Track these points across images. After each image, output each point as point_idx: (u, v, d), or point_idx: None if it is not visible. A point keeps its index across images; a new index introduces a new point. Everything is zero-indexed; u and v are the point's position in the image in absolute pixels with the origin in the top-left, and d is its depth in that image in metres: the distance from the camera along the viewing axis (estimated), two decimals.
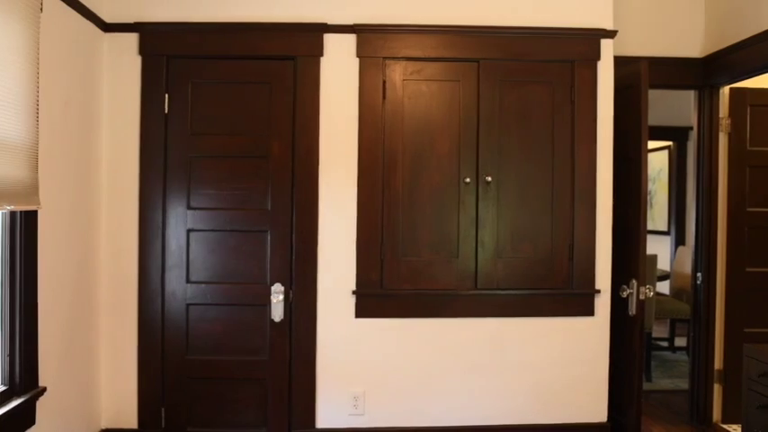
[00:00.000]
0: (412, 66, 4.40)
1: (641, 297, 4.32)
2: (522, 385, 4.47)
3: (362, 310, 4.37)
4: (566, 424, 4.48)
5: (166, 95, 4.32)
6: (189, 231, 4.33)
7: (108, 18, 4.32)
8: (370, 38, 4.37)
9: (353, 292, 4.35)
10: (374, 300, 4.38)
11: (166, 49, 4.32)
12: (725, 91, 5.12)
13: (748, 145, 5.09)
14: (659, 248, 9.16)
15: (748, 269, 5.04)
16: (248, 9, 4.35)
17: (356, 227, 4.35)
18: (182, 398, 4.36)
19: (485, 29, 4.41)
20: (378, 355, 4.40)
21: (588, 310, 4.46)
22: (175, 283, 4.32)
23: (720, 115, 5.13)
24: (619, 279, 4.48)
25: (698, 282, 5.21)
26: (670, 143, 9.28)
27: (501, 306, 4.43)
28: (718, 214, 5.12)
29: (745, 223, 5.07)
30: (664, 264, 8.56)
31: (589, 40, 4.46)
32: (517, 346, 4.46)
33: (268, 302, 4.33)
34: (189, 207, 4.33)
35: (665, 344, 7.71)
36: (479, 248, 4.41)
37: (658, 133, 8.63)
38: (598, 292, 4.45)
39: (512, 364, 4.46)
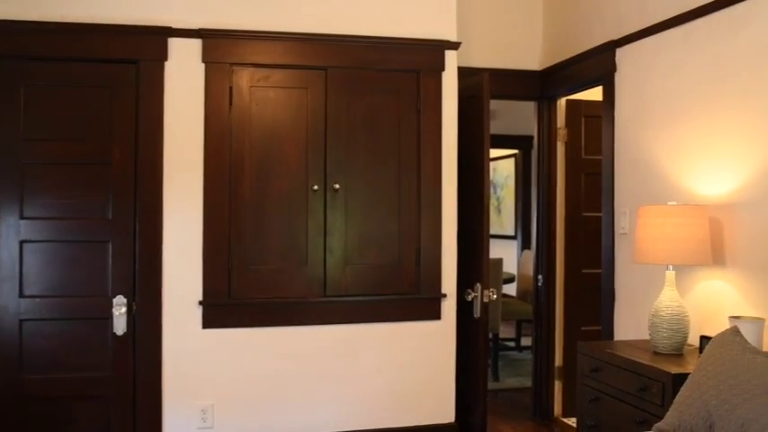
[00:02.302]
0: (259, 72, 4.36)
1: (485, 300, 4.47)
2: (373, 390, 4.51)
3: (210, 321, 4.28)
4: (415, 426, 4.56)
5: None
6: (22, 242, 4.08)
7: None
8: (217, 43, 4.29)
9: (200, 303, 4.25)
10: (222, 310, 4.30)
11: None
12: (562, 102, 5.41)
13: (583, 153, 5.39)
14: (507, 252, 9.53)
15: (584, 270, 5.33)
16: (88, 9, 4.15)
17: (203, 235, 4.25)
18: (15, 420, 4.09)
19: (332, 37, 4.44)
20: (227, 366, 4.31)
21: (435, 314, 4.57)
22: (7, 297, 4.06)
23: (558, 125, 5.41)
24: (464, 283, 4.61)
25: (539, 284, 5.46)
26: (516, 151, 9.69)
27: (350, 312, 4.46)
28: (557, 219, 5.39)
29: (580, 227, 5.37)
30: (511, 267, 8.91)
31: (434, 50, 4.58)
32: (367, 352, 4.50)
33: (110, 315, 4.14)
34: (22, 217, 4.08)
35: (512, 344, 8.03)
36: (328, 255, 4.42)
37: (506, 142, 8.99)
38: (444, 296, 4.57)
39: (362, 369, 4.49)
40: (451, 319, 4.61)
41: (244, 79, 4.33)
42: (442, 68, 4.58)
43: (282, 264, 4.38)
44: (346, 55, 4.46)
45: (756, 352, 2.69)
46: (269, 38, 4.35)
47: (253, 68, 4.35)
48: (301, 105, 4.41)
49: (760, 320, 3.17)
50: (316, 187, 4.40)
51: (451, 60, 4.61)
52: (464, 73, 4.78)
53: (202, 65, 4.28)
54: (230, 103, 4.30)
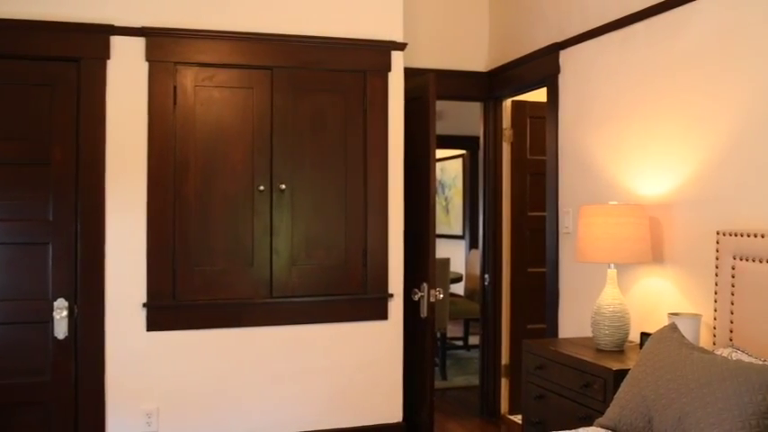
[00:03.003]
0: (204, 72, 4.31)
1: (432, 299, 4.50)
2: (320, 391, 4.50)
3: (154, 323, 4.21)
4: (362, 426, 4.56)
5: None
6: None
7: None
8: (161, 42, 4.23)
9: (144, 305, 4.19)
10: (167, 312, 4.24)
11: None
12: (507, 103, 5.47)
13: (528, 154, 5.45)
14: (455, 252, 9.61)
15: (529, 269, 5.40)
16: (29, 6, 4.04)
17: (146, 236, 4.19)
18: None
19: (278, 37, 4.41)
20: (172, 369, 4.26)
21: (382, 314, 4.58)
22: None
23: (504, 126, 5.47)
24: (411, 283, 4.63)
25: (486, 283, 5.51)
26: (464, 152, 9.77)
27: (297, 313, 4.44)
28: (503, 218, 5.45)
29: (526, 227, 5.43)
30: (459, 266, 8.98)
31: (380, 51, 4.59)
32: (314, 353, 4.49)
33: (50, 319, 4.05)
34: None
35: (460, 343, 8.09)
36: (274, 256, 4.40)
37: (454, 142, 9.06)
38: (391, 296, 4.59)
39: (309, 370, 4.48)
40: (398, 319, 4.63)
41: (188, 78, 4.28)
42: (389, 69, 4.60)
43: (228, 265, 4.35)
44: (292, 55, 4.44)
45: (693, 347, 2.76)
46: (214, 37, 4.31)
47: (197, 68, 4.30)
48: (247, 105, 4.37)
49: (697, 317, 3.26)
50: (262, 188, 4.37)
51: (398, 61, 4.63)
52: (411, 73, 4.80)
53: (146, 64, 4.22)
54: (174, 103, 4.25)
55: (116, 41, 4.18)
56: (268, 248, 4.39)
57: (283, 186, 4.40)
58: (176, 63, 4.26)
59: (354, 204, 4.54)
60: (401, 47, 4.63)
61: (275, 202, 4.40)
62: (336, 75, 4.53)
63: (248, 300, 4.37)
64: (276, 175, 4.40)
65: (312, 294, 4.47)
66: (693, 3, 3.46)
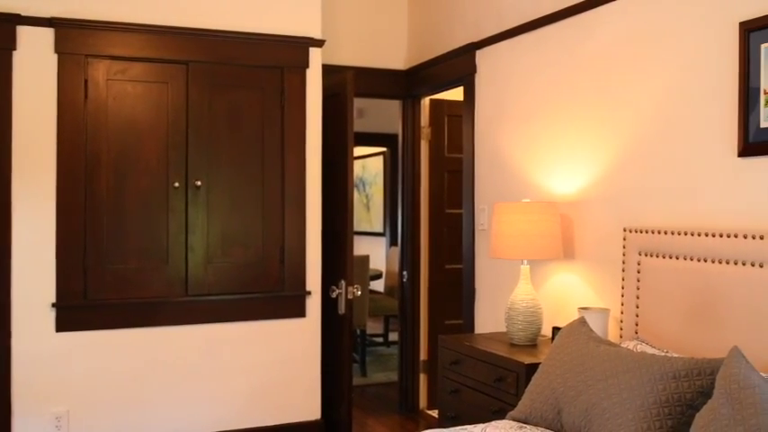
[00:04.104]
0: (117, 65, 4.21)
1: (350, 297, 4.50)
2: (237, 390, 4.46)
3: (64, 324, 4.09)
4: (281, 425, 4.54)
5: None
6: None
7: None
8: (71, 33, 4.11)
9: (53, 305, 4.06)
10: (78, 312, 4.12)
11: None
12: (425, 102, 5.52)
13: (446, 152, 5.52)
14: (376, 249, 9.66)
15: (447, 266, 5.47)
16: None
17: (56, 234, 4.06)
18: None
19: (194, 31, 4.34)
20: (83, 370, 4.14)
21: (300, 312, 4.57)
22: None
23: (422, 124, 5.52)
24: (329, 280, 4.63)
25: (404, 279, 5.55)
26: (385, 149, 9.82)
27: (213, 311, 4.39)
28: (421, 216, 5.50)
29: (444, 224, 5.50)
30: (380, 263, 9.03)
31: (298, 47, 4.57)
32: (231, 352, 4.44)
33: None
34: None
35: (380, 339, 8.13)
36: (190, 254, 4.33)
37: (375, 139, 9.10)
38: (309, 293, 4.58)
39: (226, 369, 4.43)
40: (316, 316, 4.62)
41: (100, 72, 4.17)
42: (307, 66, 4.58)
43: (142, 263, 4.26)
44: (208, 50, 4.38)
45: (600, 341, 2.84)
46: (127, 29, 4.21)
47: (110, 61, 4.19)
48: (161, 100, 4.29)
49: (605, 311, 3.36)
50: (177, 184, 4.29)
51: (316, 58, 4.62)
52: (329, 70, 4.80)
53: (55, 55, 4.09)
54: (86, 97, 4.13)
55: (23, 32, 4.03)
56: (183, 246, 4.32)
57: (199, 183, 4.33)
58: (87, 56, 4.15)
59: (272, 201, 4.51)
60: (319, 44, 4.62)
61: (191, 198, 4.33)
62: (253, 71, 4.49)
63: (163, 298, 4.29)
64: (192, 171, 4.33)
65: (229, 292, 4.42)
66: (600, 8, 3.57)
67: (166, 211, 4.29)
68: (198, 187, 4.33)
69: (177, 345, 4.33)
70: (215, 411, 4.40)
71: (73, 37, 4.11)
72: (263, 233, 4.50)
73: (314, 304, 4.61)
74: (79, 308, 4.12)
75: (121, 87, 4.22)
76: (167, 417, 4.30)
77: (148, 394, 4.27)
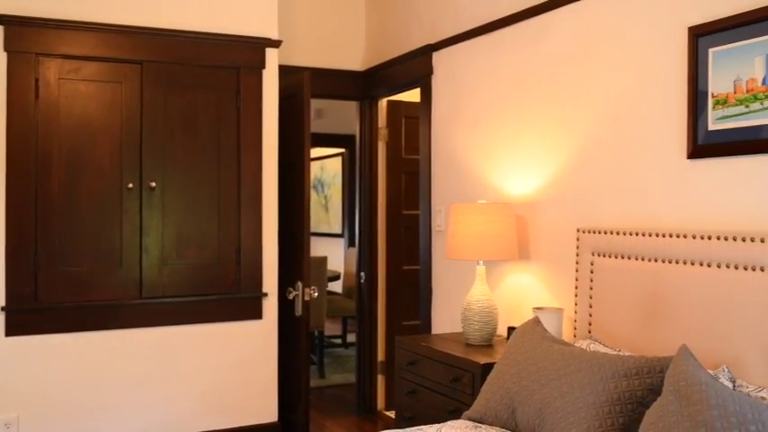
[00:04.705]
0: (69, 64, 4.14)
1: (307, 298, 4.49)
2: (193, 393, 4.42)
3: (15, 328, 4.01)
4: (237, 427, 4.51)
5: None
6: None
7: None
8: (21, 31, 4.03)
9: (3, 309, 3.97)
10: (28, 315, 4.04)
11: None
12: (383, 103, 5.53)
13: (403, 153, 5.54)
14: (334, 250, 9.64)
15: (405, 267, 5.48)
16: None
17: (5, 236, 3.98)
18: None
19: (149, 30, 4.30)
20: (34, 375, 4.06)
21: (256, 314, 4.54)
22: None
23: (379, 125, 5.53)
24: (286, 281, 4.61)
25: (362, 281, 5.55)
26: (343, 150, 9.80)
27: (168, 314, 4.34)
28: (379, 217, 5.51)
29: (401, 225, 5.51)
30: (338, 265, 9.01)
31: (255, 48, 4.54)
32: (187, 354, 4.40)
33: None
34: None
35: (338, 341, 8.12)
36: (144, 256, 4.28)
37: (333, 140, 9.09)
38: (266, 295, 4.55)
39: (181, 372, 4.38)
40: (273, 318, 4.60)
41: (52, 71, 4.10)
42: (263, 66, 4.56)
43: (96, 265, 4.19)
44: (163, 49, 4.33)
45: (554, 340, 2.88)
46: (80, 28, 4.14)
47: (62, 60, 4.12)
48: (115, 100, 4.23)
49: (559, 310, 3.40)
50: (131, 185, 4.24)
51: (272, 58, 4.60)
52: (286, 71, 4.78)
53: (4, 54, 4.01)
54: (36, 96, 4.06)
55: None
56: (137, 248, 4.27)
57: (153, 184, 4.28)
58: (38, 54, 4.07)
59: (228, 203, 4.47)
60: (276, 44, 4.60)
61: (145, 199, 4.28)
62: (209, 71, 4.46)
63: (117, 301, 4.23)
64: (146, 172, 4.28)
65: (184, 294, 4.37)
66: (555, 11, 3.61)
67: (120, 212, 4.23)
68: (152, 188, 4.28)
69: (131, 348, 4.27)
70: (170, 415, 4.35)
71: (23, 35, 4.04)
72: (218, 234, 4.46)
73: (270, 306, 4.58)
74: (30, 311, 4.05)
75: (74, 87, 4.15)
76: (121, 421, 4.24)
77: (102, 399, 4.20)
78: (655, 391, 2.35)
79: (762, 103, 2.59)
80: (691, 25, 2.86)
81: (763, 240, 2.49)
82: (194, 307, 4.40)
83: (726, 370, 2.43)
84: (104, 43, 4.20)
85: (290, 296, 4.51)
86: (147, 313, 4.30)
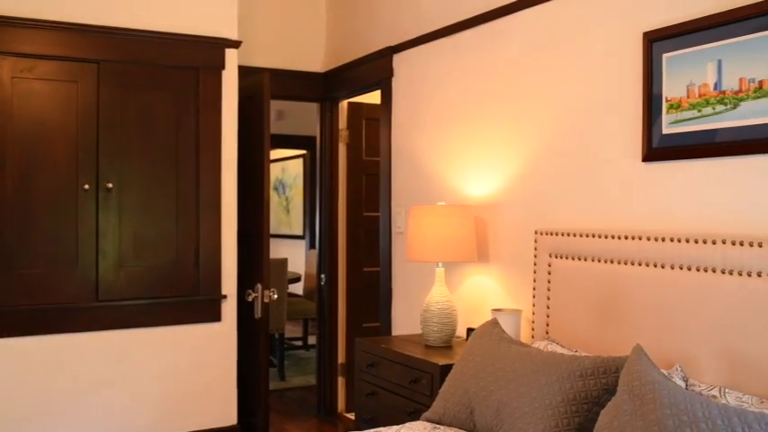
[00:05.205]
0: (23, 62, 4.07)
1: (266, 300, 4.46)
2: (151, 398, 4.36)
3: None
4: (196, 431, 4.46)
5: None
6: None
7: None
8: None
9: None
10: None
11: None
12: (344, 105, 5.53)
13: (364, 155, 5.54)
14: (295, 252, 9.60)
15: (365, 269, 5.48)
16: None
17: None
18: None
19: (106, 29, 4.24)
20: None
21: (215, 316, 4.50)
22: None
23: (340, 127, 5.52)
24: (246, 284, 4.58)
25: (322, 282, 5.54)
26: (305, 151, 9.77)
27: (125, 317, 4.28)
28: (339, 219, 5.50)
29: (361, 227, 5.51)
30: (300, 266, 8.98)
31: (214, 48, 4.51)
32: (144, 358, 4.34)
33: None
34: None
35: (299, 343, 8.09)
36: (100, 258, 4.21)
37: (295, 142, 9.06)
38: (225, 297, 4.52)
39: (139, 376, 4.33)
40: (232, 321, 4.56)
41: (4, 69, 4.02)
42: (222, 67, 4.53)
43: (50, 267, 4.12)
44: (121, 48, 4.28)
45: (511, 341, 2.90)
46: (34, 26, 4.07)
47: (15, 58, 4.05)
48: (71, 99, 4.16)
49: (517, 312, 3.43)
50: (87, 186, 4.18)
51: (232, 59, 4.57)
52: (246, 72, 4.75)
53: None
54: None
55: None
56: (94, 250, 4.20)
57: (110, 185, 4.22)
58: None
59: (186, 204, 4.43)
60: (236, 44, 4.57)
61: (101, 201, 4.21)
62: (168, 71, 4.41)
63: (72, 304, 4.16)
64: (102, 173, 4.22)
65: (141, 297, 4.32)
66: (515, 14, 3.64)
67: (76, 213, 4.17)
68: (109, 189, 4.22)
69: (87, 352, 4.21)
70: (127, 421, 4.29)
71: None
72: (177, 236, 4.41)
73: (230, 308, 4.55)
74: None
75: (28, 86, 4.08)
76: (76, 427, 4.17)
77: (55, 405, 4.12)
78: (610, 391, 2.38)
79: (713, 108, 2.64)
80: (646, 30, 2.91)
81: (714, 242, 2.54)
82: (152, 310, 4.34)
83: (679, 369, 2.47)
84: (60, 41, 4.13)
85: (249, 298, 4.48)
86: (104, 316, 4.23)
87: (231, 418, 4.58)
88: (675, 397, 2.03)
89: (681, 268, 2.65)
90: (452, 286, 3.94)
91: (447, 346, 3.65)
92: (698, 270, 2.59)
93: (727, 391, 2.34)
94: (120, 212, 4.27)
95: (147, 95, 4.35)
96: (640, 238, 2.83)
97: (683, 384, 2.41)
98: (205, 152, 4.47)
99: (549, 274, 3.28)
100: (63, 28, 4.13)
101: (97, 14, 4.22)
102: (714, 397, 2.32)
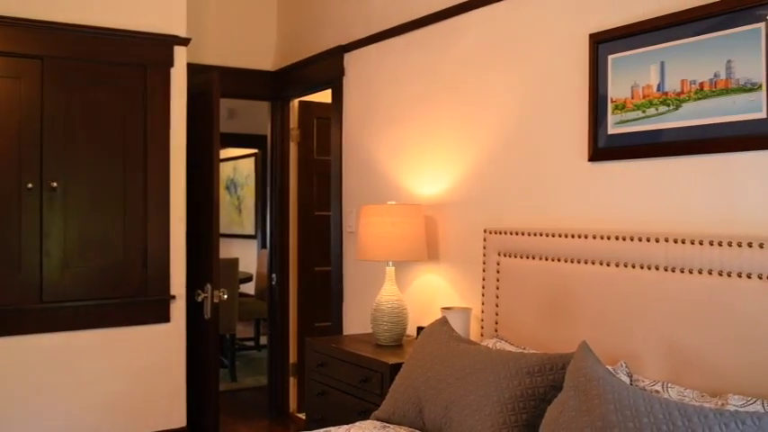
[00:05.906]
0: None
1: (216, 300, 4.42)
2: (97, 401, 4.28)
3: None
4: None
5: None
6: None
7: None
8: None
9: None
10: None
11: None
12: (294, 104, 5.50)
13: (315, 154, 5.52)
14: (247, 252, 9.53)
15: (316, 268, 5.47)
16: None
17: None
18: None
19: (50, 24, 4.14)
20: None
21: (164, 317, 4.44)
22: None
23: (291, 126, 5.50)
24: (196, 284, 4.53)
25: (273, 282, 5.51)
26: (257, 150, 9.70)
27: (71, 319, 4.19)
28: (290, 218, 5.47)
29: (312, 226, 5.49)
30: (251, 266, 8.91)
31: (162, 45, 4.44)
32: (90, 360, 4.26)
33: None
34: None
35: (251, 343, 8.03)
36: (45, 259, 4.12)
37: (247, 141, 8.99)
38: (173, 297, 4.46)
39: (85, 379, 4.24)
40: (181, 321, 4.51)
41: None
42: (171, 64, 4.47)
43: None
44: (66, 45, 4.19)
45: (460, 339, 2.92)
46: None
47: None
48: (13, 96, 4.06)
49: (467, 310, 3.45)
50: (30, 185, 4.08)
51: (181, 56, 4.51)
52: (196, 70, 4.70)
53: None
54: None
55: None
56: (38, 250, 4.11)
57: (55, 184, 4.13)
58: None
59: (134, 203, 4.36)
60: (184, 42, 4.51)
61: (46, 200, 4.12)
62: (114, 68, 4.33)
63: (15, 306, 4.06)
64: (47, 172, 4.13)
65: (87, 298, 4.24)
66: (464, 15, 3.67)
67: (19, 213, 4.07)
68: (54, 188, 4.13)
69: (31, 355, 4.11)
70: (72, 425, 4.20)
71: None
72: (124, 236, 4.34)
73: (178, 309, 4.49)
74: None
75: None
76: None
77: None
78: (557, 388, 2.41)
79: (657, 109, 2.70)
80: (591, 32, 2.95)
81: (657, 240, 2.59)
82: (98, 311, 4.26)
83: (624, 365, 2.51)
84: (1, 37, 4.03)
85: (199, 299, 4.43)
86: (48, 318, 4.14)
87: (180, 420, 4.53)
88: (619, 392, 2.07)
89: (626, 266, 2.70)
90: (403, 285, 3.95)
91: (397, 344, 3.66)
92: (642, 268, 2.64)
93: (669, 385, 2.39)
94: (66, 212, 4.18)
95: (94, 93, 4.27)
96: (587, 237, 2.87)
97: (627, 380, 2.45)
98: (153, 151, 4.40)
99: (498, 272, 3.31)
100: (5, 23, 4.03)
101: (41, 9, 4.13)
102: (657, 392, 2.37)
